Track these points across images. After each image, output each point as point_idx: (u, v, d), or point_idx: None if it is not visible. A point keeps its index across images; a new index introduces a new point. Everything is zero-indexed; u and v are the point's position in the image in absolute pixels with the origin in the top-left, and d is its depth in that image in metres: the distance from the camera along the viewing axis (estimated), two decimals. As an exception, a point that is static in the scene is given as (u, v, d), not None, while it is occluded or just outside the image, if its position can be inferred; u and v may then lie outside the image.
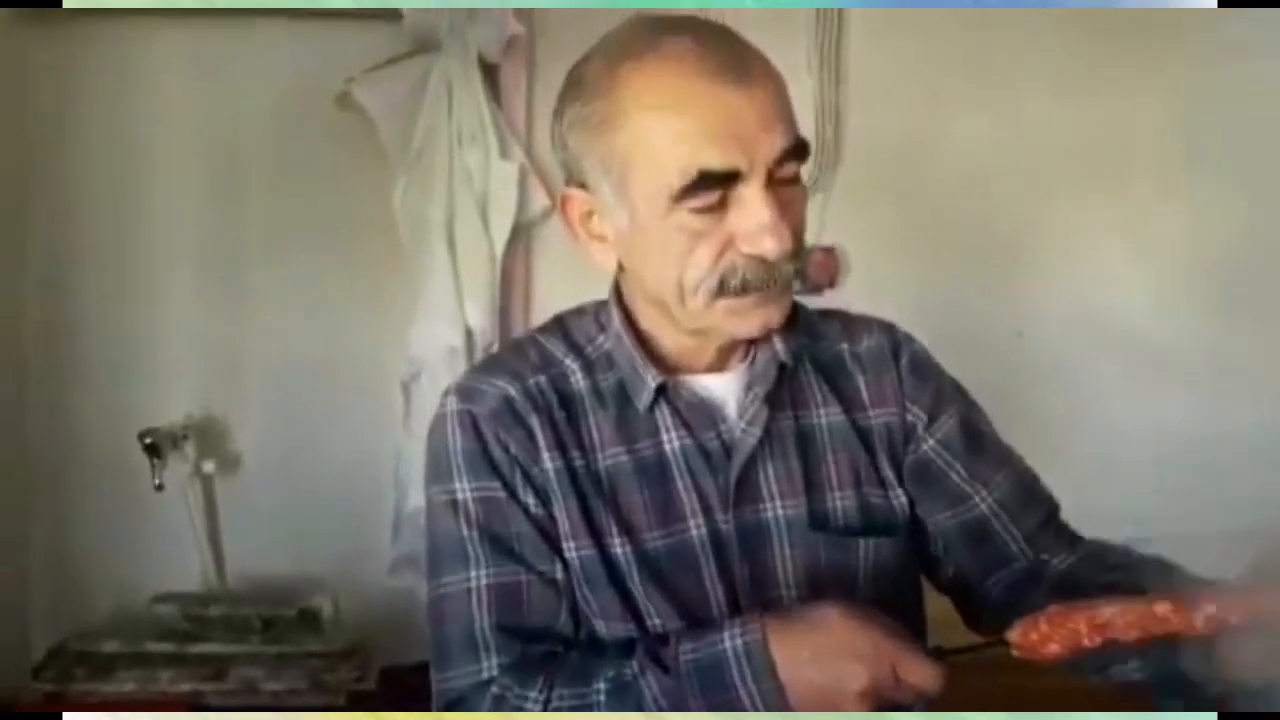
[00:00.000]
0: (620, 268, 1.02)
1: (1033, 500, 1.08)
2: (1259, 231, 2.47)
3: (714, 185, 0.88)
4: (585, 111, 0.92)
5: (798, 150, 0.91)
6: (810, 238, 2.28)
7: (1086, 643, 0.79)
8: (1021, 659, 0.83)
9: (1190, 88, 2.40)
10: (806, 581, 1.00)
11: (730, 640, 0.86)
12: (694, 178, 0.87)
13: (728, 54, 0.88)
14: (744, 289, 0.92)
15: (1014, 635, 0.82)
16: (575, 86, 0.94)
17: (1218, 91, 2.39)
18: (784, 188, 0.91)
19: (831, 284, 2.33)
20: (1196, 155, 2.43)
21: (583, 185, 0.96)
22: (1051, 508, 1.10)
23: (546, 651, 0.95)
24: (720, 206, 0.89)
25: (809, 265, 2.29)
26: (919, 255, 2.38)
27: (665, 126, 0.87)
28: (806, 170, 0.99)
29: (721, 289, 0.92)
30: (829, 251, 2.32)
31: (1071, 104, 2.39)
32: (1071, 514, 1.13)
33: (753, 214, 0.89)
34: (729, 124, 0.86)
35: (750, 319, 0.95)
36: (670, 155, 0.87)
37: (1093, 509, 2.37)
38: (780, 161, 0.89)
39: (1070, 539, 1.07)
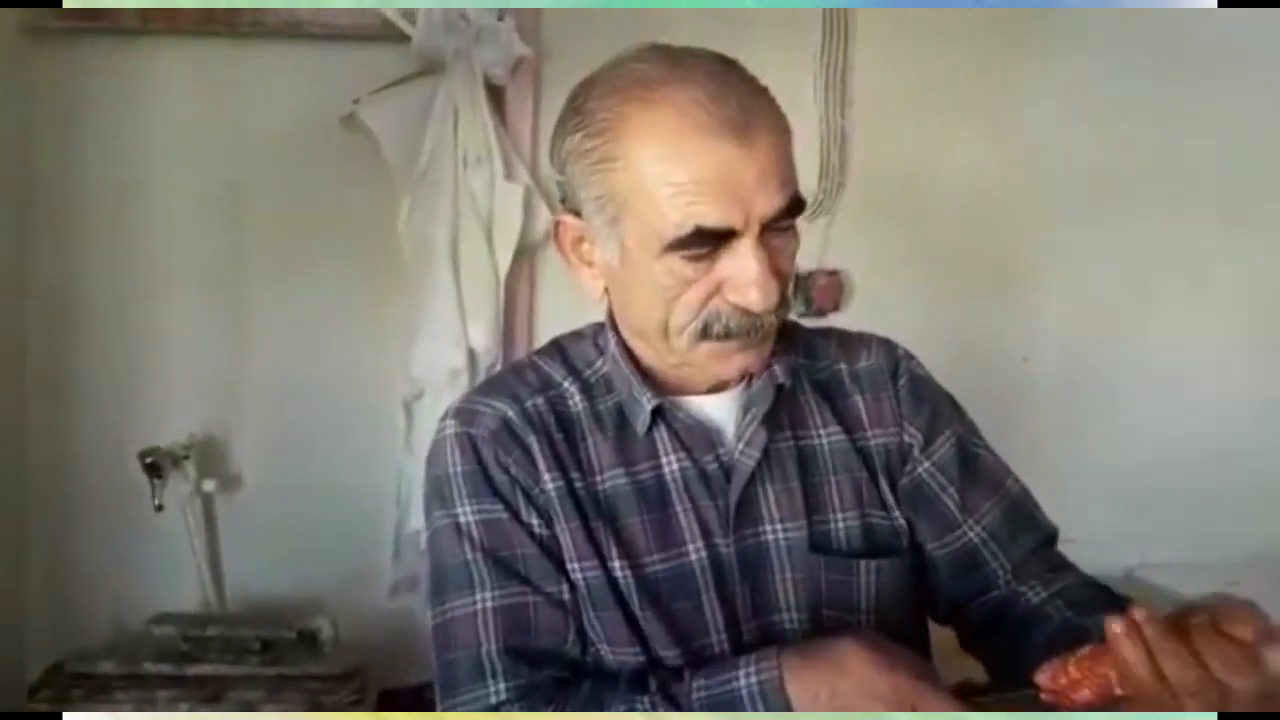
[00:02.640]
0: (607, 293, 1.02)
1: (1025, 527, 1.08)
2: (1262, 253, 2.47)
3: (708, 240, 0.88)
4: (585, 146, 0.92)
5: (793, 208, 0.91)
6: (814, 261, 2.30)
7: (1119, 691, 0.76)
8: (1050, 702, 0.79)
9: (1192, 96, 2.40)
10: (808, 605, 1.00)
11: (745, 679, 0.86)
12: (689, 232, 0.87)
13: (735, 105, 0.88)
14: (727, 335, 0.93)
15: (1042, 679, 0.80)
16: (578, 115, 0.93)
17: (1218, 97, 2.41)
18: (776, 235, 0.92)
19: (836, 307, 2.33)
20: (1202, 178, 2.44)
21: (576, 213, 0.96)
22: (1044, 535, 1.09)
23: (557, 679, 0.94)
24: (711, 255, 0.90)
25: (814, 289, 2.29)
26: (924, 279, 2.38)
27: (664, 178, 0.87)
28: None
29: (705, 333, 0.93)
30: (833, 275, 2.32)
31: (1076, 127, 2.40)
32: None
33: (743, 267, 0.89)
34: (728, 182, 0.86)
35: (730, 363, 0.96)
36: (667, 207, 0.87)
37: (1099, 536, 2.36)
38: (777, 218, 0.90)
39: (1056, 570, 1.07)
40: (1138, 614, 0.75)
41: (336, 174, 2.23)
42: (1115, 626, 0.74)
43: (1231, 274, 2.47)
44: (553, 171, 0.99)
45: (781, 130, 0.91)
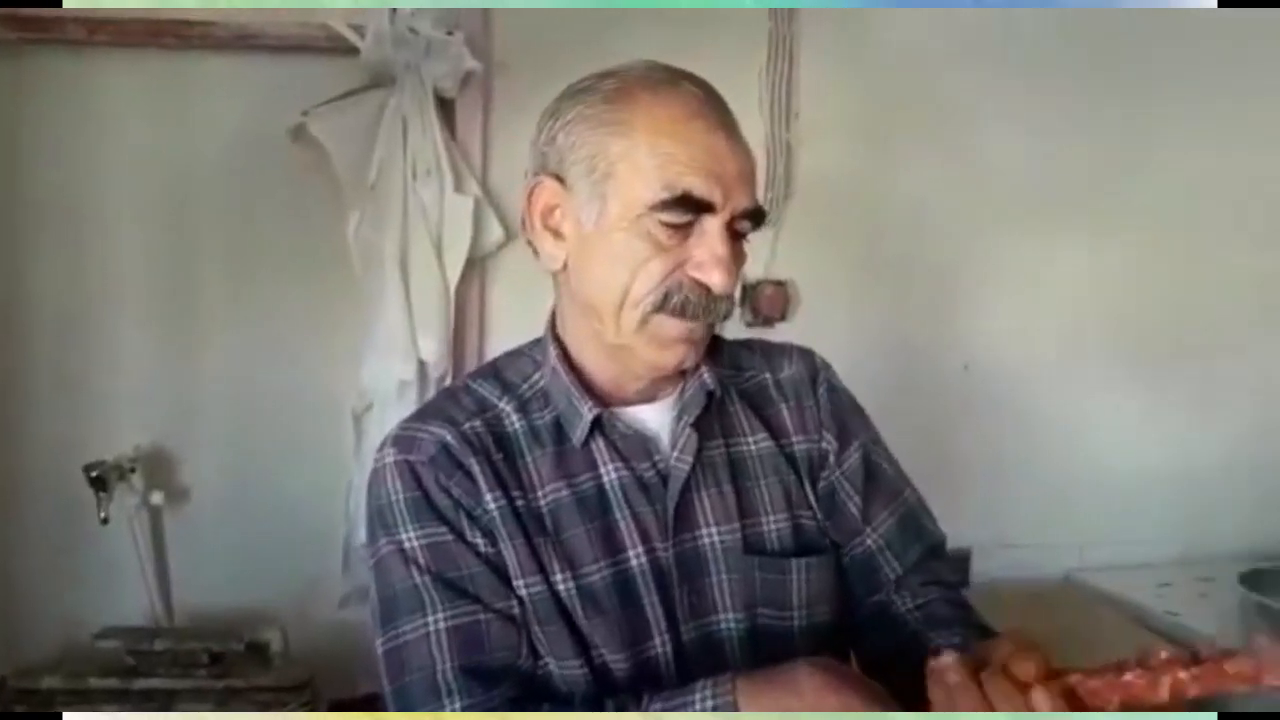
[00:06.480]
0: (561, 276, 1.05)
1: (915, 537, 1.14)
2: (1202, 268, 2.54)
3: (688, 209, 0.94)
4: (590, 111, 0.97)
5: (757, 213, 0.98)
6: (761, 271, 2.33)
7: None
8: None
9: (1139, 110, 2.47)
10: (744, 604, 1.03)
11: (701, 703, 0.89)
12: (676, 195, 0.93)
13: (725, 114, 0.98)
14: (683, 310, 0.97)
15: None
16: (584, 92, 0.99)
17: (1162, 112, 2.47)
18: (734, 240, 0.98)
19: (782, 317, 2.36)
20: (1141, 192, 2.50)
21: (559, 178, 0.99)
22: (931, 544, 1.15)
23: (513, 699, 0.96)
24: (684, 229, 0.95)
25: (760, 299, 2.32)
26: (868, 289, 2.42)
27: (662, 148, 0.94)
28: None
29: (663, 304, 0.97)
30: (780, 285, 2.35)
31: (1019, 140, 2.45)
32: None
33: (711, 246, 0.95)
34: (716, 165, 0.94)
35: (670, 351, 1.00)
36: (658, 172, 0.94)
37: (1036, 540, 2.40)
38: (742, 216, 0.97)
39: (930, 583, 1.12)
40: (944, 661, 0.81)
41: (285, 186, 2.23)
42: (933, 663, 0.82)
43: (1166, 282, 2.53)
44: (535, 147, 1.03)
45: (750, 154, 0.99)
